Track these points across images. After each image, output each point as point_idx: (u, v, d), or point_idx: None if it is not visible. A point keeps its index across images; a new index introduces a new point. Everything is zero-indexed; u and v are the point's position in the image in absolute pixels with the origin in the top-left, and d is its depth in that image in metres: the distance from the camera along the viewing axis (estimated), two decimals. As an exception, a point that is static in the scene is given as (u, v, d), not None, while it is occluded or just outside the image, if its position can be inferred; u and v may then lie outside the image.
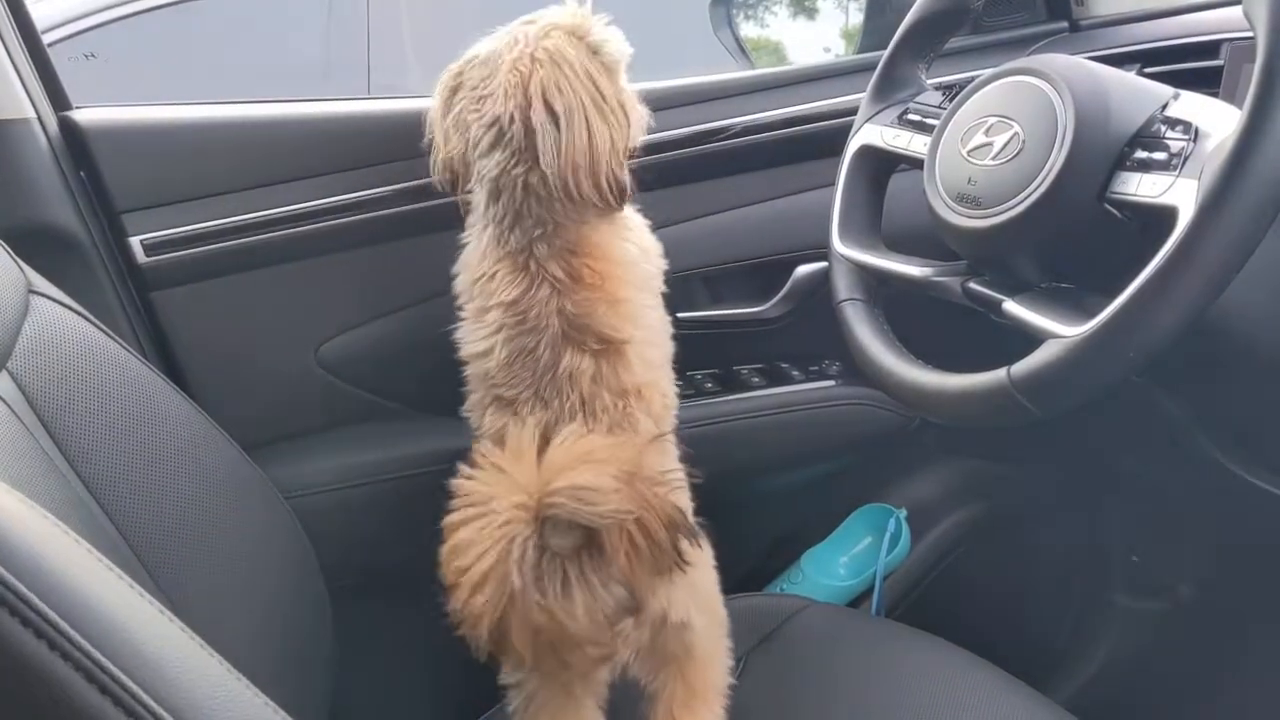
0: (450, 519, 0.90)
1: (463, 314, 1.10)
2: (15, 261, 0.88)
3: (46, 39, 1.21)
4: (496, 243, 1.06)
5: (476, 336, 1.07)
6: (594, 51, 1.04)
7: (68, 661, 0.43)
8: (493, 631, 0.88)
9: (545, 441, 0.97)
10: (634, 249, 1.10)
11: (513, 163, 1.04)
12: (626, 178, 1.05)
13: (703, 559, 1.06)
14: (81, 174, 1.19)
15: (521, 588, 0.87)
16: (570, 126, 1.01)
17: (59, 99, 1.20)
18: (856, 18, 2.23)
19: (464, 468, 0.93)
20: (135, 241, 1.20)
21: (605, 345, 1.03)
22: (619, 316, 1.04)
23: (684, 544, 0.95)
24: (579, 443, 0.93)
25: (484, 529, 0.87)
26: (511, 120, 1.02)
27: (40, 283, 0.90)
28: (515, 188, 1.04)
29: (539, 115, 1.01)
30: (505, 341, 1.04)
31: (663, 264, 1.14)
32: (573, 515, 0.87)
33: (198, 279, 1.23)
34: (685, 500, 1.06)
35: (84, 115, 1.19)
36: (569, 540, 0.89)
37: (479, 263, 1.08)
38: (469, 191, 1.11)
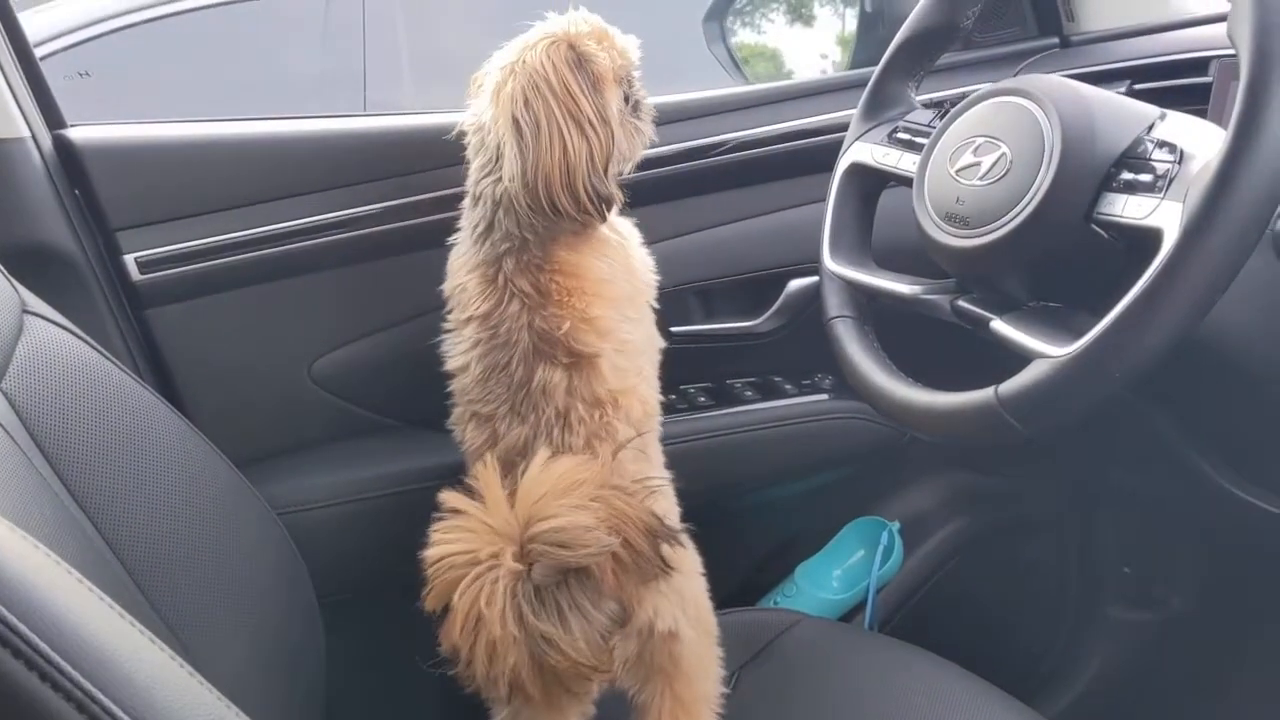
0: (435, 579, 0.89)
1: (446, 324, 1.11)
2: (9, 281, 0.89)
3: (37, 52, 1.22)
4: (472, 249, 1.08)
5: (456, 351, 1.08)
6: (581, 63, 1.04)
7: (59, 693, 0.44)
8: (500, 679, 0.88)
9: (511, 466, 0.97)
10: (607, 266, 1.09)
11: (484, 172, 1.05)
12: (610, 189, 1.05)
13: (688, 566, 1.06)
14: (76, 192, 1.19)
15: (521, 633, 0.86)
16: (539, 140, 1.01)
17: (53, 117, 1.20)
18: (852, 24, 2.24)
19: (436, 531, 0.91)
20: (129, 259, 1.20)
21: (575, 358, 1.03)
22: (589, 331, 1.04)
23: (666, 549, 0.95)
24: (547, 469, 0.93)
25: (471, 584, 0.87)
26: (488, 130, 1.04)
27: (34, 302, 0.90)
28: (487, 198, 1.05)
29: (501, 128, 1.02)
30: (479, 357, 1.05)
31: (653, 279, 1.14)
32: (558, 563, 0.87)
33: (192, 296, 1.23)
34: (667, 503, 1.06)
35: (78, 133, 1.20)
36: (554, 573, 0.89)
37: (457, 269, 1.09)
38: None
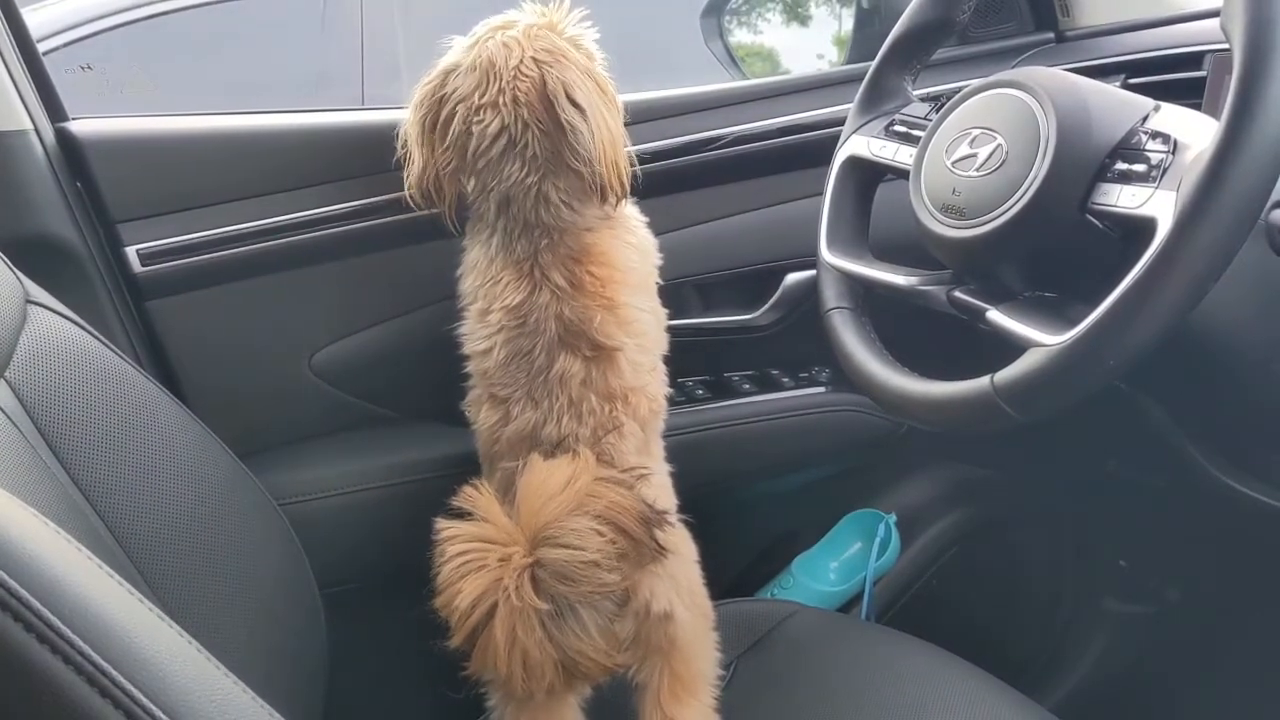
0: (464, 617, 0.92)
1: (466, 314, 1.12)
2: (13, 272, 0.89)
3: (40, 47, 1.22)
4: (504, 250, 1.08)
5: (478, 335, 1.10)
6: (576, 46, 1.07)
7: (69, 665, 0.44)
8: (538, 689, 0.93)
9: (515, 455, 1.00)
10: (635, 252, 1.12)
11: (525, 172, 1.05)
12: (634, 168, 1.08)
13: (683, 552, 1.08)
14: (78, 184, 1.19)
15: (555, 650, 0.91)
16: (593, 119, 1.03)
17: (55, 110, 1.20)
18: (849, 23, 2.26)
19: (448, 564, 0.94)
20: (131, 251, 1.20)
21: (598, 351, 1.05)
22: (615, 323, 1.06)
23: (659, 534, 0.98)
24: (547, 479, 0.96)
25: (504, 612, 0.90)
26: (525, 128, 1.04)
27: (37, 293, 0.91)
28: (527, 197, 1.06)
29: (568, 112, 1.02)
30: (504, 342, 1.07)
31: (658, 260, 1.17)
32: (569, 596, 0.91)
33: (193, 288, 1.24)
34: (663, 494, 1.09)
35: (80, 126, 1.20)
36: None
37: (486, 268, 1.10)
38: (472, 203, 1.12)
